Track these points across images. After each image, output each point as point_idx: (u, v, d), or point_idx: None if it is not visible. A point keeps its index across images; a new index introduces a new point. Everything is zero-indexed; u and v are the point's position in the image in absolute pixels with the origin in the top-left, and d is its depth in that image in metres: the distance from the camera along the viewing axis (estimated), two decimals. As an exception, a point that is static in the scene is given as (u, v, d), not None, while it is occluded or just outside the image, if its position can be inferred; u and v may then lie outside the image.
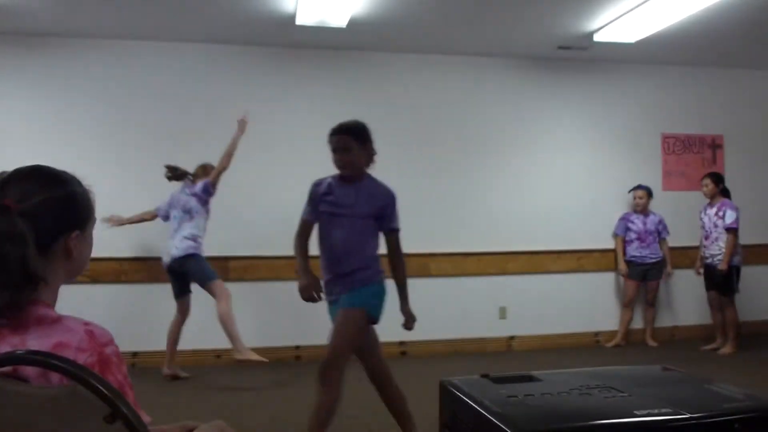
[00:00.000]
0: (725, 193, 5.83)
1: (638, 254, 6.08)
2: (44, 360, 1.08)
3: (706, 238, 5.80)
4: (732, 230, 5.59)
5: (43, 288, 1.20)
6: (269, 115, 5.69)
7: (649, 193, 6.14)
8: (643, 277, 6.08)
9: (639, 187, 6.16)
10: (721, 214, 5.69)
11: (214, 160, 5.11)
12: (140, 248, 5.48)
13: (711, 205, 5.80)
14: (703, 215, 5.87)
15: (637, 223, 6.12)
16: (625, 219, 6.20)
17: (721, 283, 5.66)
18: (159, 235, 5.25)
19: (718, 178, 5.82)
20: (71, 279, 1.31)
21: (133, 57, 5.52)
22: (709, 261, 5.78)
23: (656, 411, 1.62)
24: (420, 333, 5.81)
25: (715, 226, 5.70)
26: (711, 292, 5.83)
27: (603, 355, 5.76)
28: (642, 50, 5.88)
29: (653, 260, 6.09)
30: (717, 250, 5.67)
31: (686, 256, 6.17)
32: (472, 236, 5.97)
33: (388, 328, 5.84)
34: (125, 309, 5.38)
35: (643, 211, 6.13)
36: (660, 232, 6.13)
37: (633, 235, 6.12)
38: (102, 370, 1.15)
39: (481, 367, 4.09)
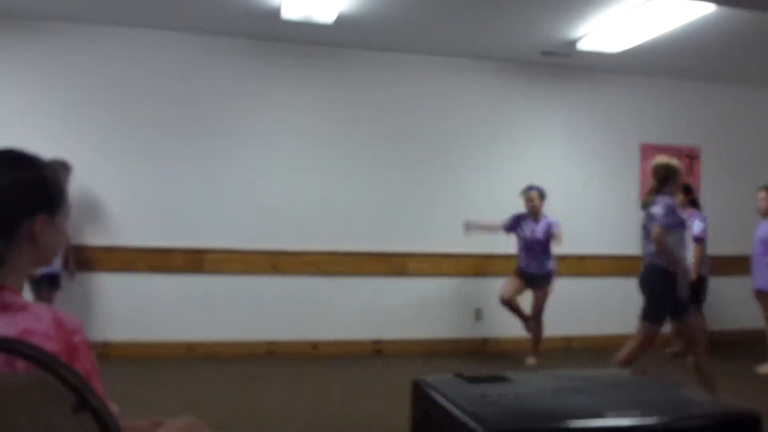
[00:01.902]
0: (694, 204, 5.89)
1: (524, 264, 5.58)
2: (10, 346, 1.06)
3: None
4: (699, 240, 5.63)
5: (7, 274, 1.18)
6: (251, 108, 5.66)
7: (542, 195, 5.57)
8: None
9: (530, 188, 5.60)
10: (689, 224, 5.74)
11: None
12: (109, 237, 5.41)
13: None
14: None
15: (526, 229, 5.57)
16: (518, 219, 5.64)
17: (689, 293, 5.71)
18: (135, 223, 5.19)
19: (687, 189, 5.86)
20: (38, 265, 1.28)
21: (113, 43, 5.44)
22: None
23: (626, 414, 1.63)
24: (395, 332, 5.91)
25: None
26: None
27: (574, 359, 5.82)
28: (624, 60, 5.96)
29: (539, 273, 5.55)
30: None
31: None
32: (450, 237, 5.98)
33: (363, 327, 5.91)
34: (97, 298, 5.32)
35: (536, 215, 5.55)
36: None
37: (521, 243, 5.57)
38: (70, 358, 1.13)
39: (456, 368, 4.12)
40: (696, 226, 5.65)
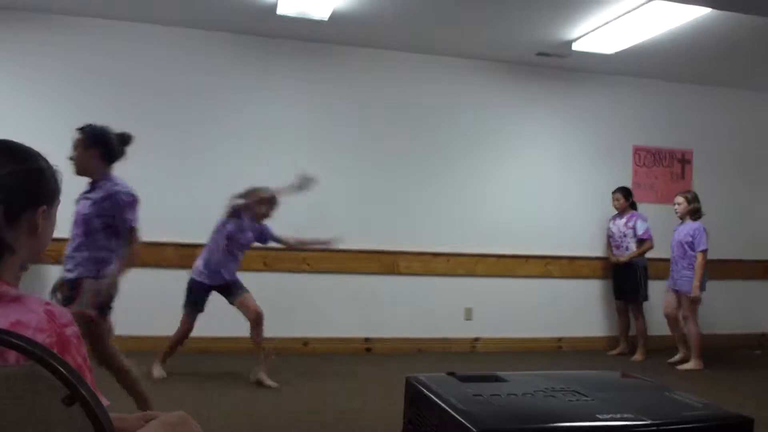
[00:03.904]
0: (633, 206, 6.20)
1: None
2: (1, 338, 1.04)
3: (617, 247, 6.14)
4: (646, 240, 5.98)
5: (4, 264, 1.17)
6: (244, 104, 5.64)
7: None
8: None
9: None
10: (631, 225, 6.03)
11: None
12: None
13: (621, 216, 6.14)
14: (612, 225, 6.20)
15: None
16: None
17: (630, 290, 5.99)
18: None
19: (627, 193, 6.17)
20: (32, 258, 1.27)
21: (106, 37, 5.39)
22: (622, 264, 6.07)
23: (618, 416, 1.63)
24: (385, 330, 5.90)
25: (624, 235, 6.06)
26: (619, 301, 6.15)
27: (564, 360, 5.83)
28: (619, 62, 5.97)
29: None
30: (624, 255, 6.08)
31: (654, 267, 6.27)
32: (442, 236, 5.99)
33: (354, 324, 5.90)
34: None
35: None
36: None
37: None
38: (61, 350, 1.12)
39: (445, 367, 4.11)
40: (640, 227, 6.00)
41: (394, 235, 5.93)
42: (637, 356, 5.88)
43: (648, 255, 6.07)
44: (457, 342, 6.04)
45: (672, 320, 5.78)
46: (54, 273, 5.06)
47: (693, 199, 5.73)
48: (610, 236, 6.24)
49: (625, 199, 6.12)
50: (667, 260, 5.84)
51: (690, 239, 5.61)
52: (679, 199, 5.77)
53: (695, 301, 5.55)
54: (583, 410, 1.69)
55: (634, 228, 6.01)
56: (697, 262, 5.53)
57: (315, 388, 4.46)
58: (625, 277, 6.04)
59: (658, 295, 6.03)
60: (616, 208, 6.17)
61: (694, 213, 5.71)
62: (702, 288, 5.56)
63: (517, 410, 1.68)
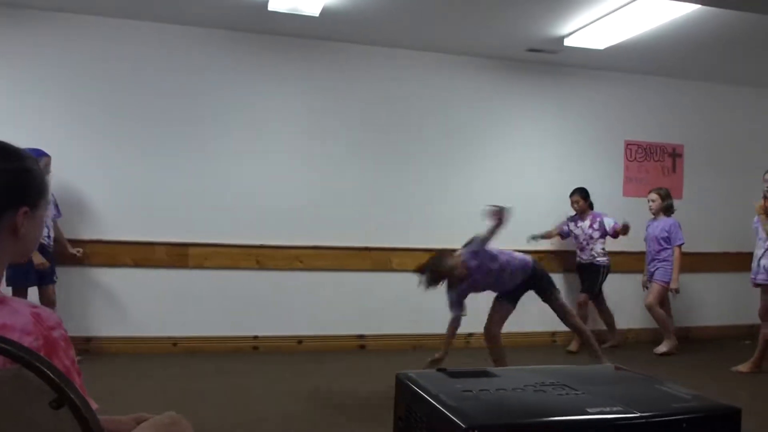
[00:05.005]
0: (591, 206, 6.17)
1: None
2: (-13, 341, 1.04)
3: (582, 249, 6.14)
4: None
5: None
6: (235, 101, 5.62)
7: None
8: None
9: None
10: (596, 225, 6.04)
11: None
12: (91, 231, 5.35)
13: (582, 218, 6.12)
14: (574, 227, 6.17)
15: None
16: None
17: (590, 283, 6.07)
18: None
19: (585, 194, 6.12)
20: (18, 260, 1.26)
21: (95, 34, 5.35)
22: (586, 263, 6.11)
23: (608, 409, 1.64)
24: (379, 327, 5.90)
25: (591, 237, 6.06)
26: (582, 294, 6.17)
27: (558, 355, 5.86)
28: (610, 57, 5.98)
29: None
30: (588, 256, 6.08)
31: (626, 261, 6.33)
32: (434, 232, 5.98)
33: (348, 322, 5.90)
34: (79, 293, 5.27)
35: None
36: None
37: None
38: (48, 353, 1.12)
39: (440, 363, 4.13)
40: (608, 223, 5.99)
41: (387, 232, 5.93)
42: (573, 346, 6.00)
43: (621, 248, 6.21)
44: (451, 338, 6.05)
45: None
46: None
47: (666, 196, 5.94)
48: (574, 238, 6.17)
49: (584, 201, 6.09)
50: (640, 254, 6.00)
51: (666, 234, 5.83)
52: (653, 195, 5.95)
53: (663, 291, 5.84)
54: (572, 404, 1.70)
55: (602, 226, 5.98)
56: (674, 255, 5.78)
57: (309, 386, 4.47)
58: (588, 274, 6.10)
59: (627, 288, 6.22)
60: (576, 210, 6.12)
61: (668, 209, 5.92)
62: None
63: (506, 405, 1.69)
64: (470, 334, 6.11)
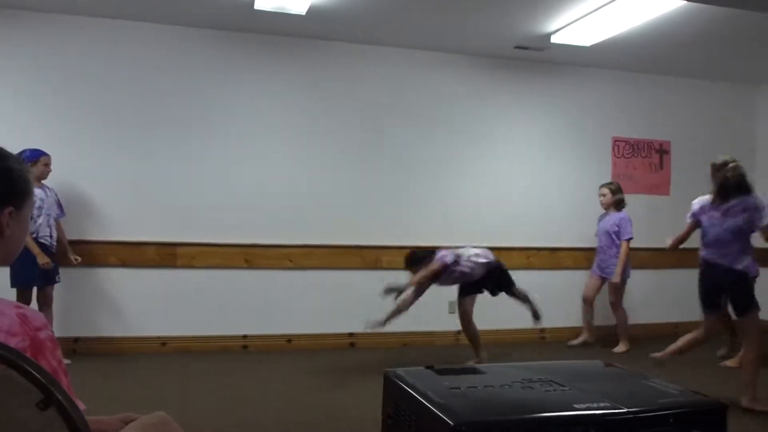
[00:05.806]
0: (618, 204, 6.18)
1: None
2: (-27, 342, 1.03)
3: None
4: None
5: None
6: (224, 100, 5.60)
7: None
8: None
9: None
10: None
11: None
12: (80, 231, 5.32)
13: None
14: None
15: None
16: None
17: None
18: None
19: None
20: (3, 259, 1.25)
21: (84, 35, 5.32)
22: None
23: (595, 405, 1.65)
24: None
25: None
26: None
27: (548, 352, 5.89)
28: (597, 54, 6.02)
29: None
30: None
31: (635, 257, 6.34)
32: (423, 230, 6.00)
33: (338, 320, 5.90)
34: (68, 293, 5.23)
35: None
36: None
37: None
38: (35, 354, 1.11)
39: (429, 360, 4.14)
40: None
41: (376, 230, 5.93)
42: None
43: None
44: (441, 335, 6.07)
45: (588, 304, 6.08)
46: None
47: (617, 191, 5.98)
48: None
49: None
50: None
51: (616, 228, 5.88)
52: (604, 190, 6.00)
53: (620, 286, 5.88)
54: (560, 400, 1.71)
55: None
56: (621, 250, 5.81)
57: (299, 385, 4.47)
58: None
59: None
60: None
61: (618, 204, 5.96)
62: (627, 275, 5.88)
63: (493, 402, 1.70)
64: (459, 332, 6.13)
